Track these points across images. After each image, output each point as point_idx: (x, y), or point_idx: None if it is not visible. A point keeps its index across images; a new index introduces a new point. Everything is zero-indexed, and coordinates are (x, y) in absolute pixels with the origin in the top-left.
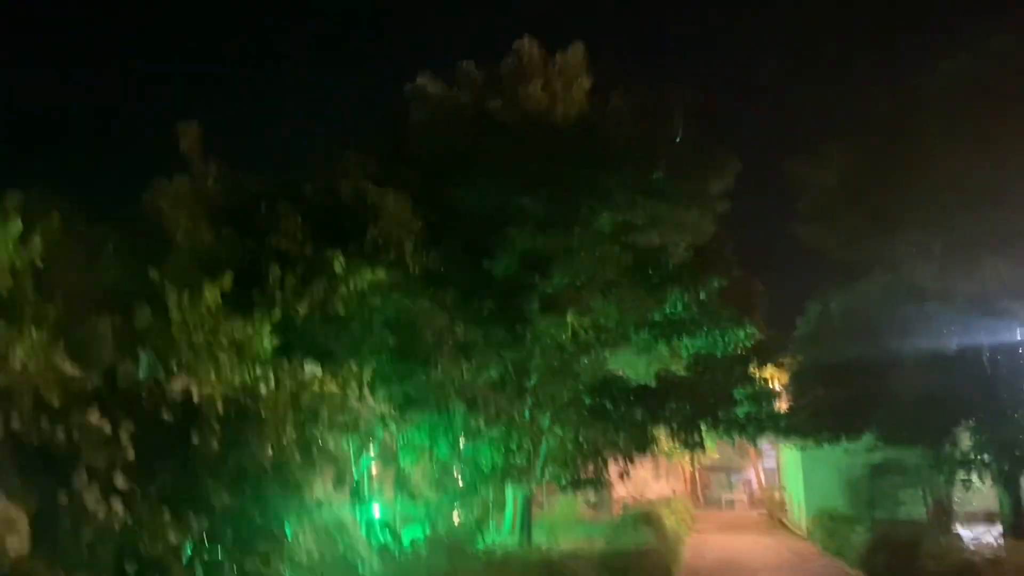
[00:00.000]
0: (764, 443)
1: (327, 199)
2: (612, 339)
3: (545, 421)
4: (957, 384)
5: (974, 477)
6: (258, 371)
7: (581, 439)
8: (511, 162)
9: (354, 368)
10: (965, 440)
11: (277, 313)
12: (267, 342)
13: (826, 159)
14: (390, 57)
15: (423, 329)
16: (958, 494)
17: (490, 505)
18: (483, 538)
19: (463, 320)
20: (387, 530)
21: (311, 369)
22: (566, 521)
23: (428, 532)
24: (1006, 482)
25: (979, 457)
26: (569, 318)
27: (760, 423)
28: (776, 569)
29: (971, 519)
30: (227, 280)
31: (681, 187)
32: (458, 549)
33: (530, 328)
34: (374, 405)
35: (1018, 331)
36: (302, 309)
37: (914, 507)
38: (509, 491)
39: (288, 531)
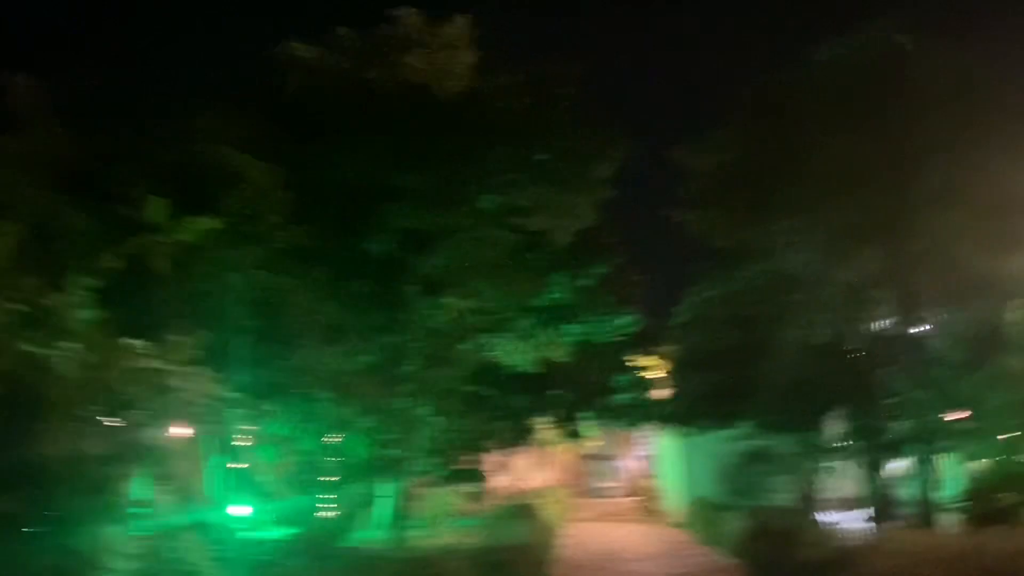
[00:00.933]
0: (641, 432)
1: (184, 164)
2: (494, 324)
3: (422, 410)
4: (829, 372)
5: (843, 464)
6: (72, 345)
7: (460, 429)
8: (390, 135)
9: (179, 339)
10: (836, 427)
11: (86, 278)
12: (85, 313)
13: (709, 146)
14: (262, 19)
15: (288, 309)
16: (824, 481)
17: (364, 500)
18: (352, 536)
19: (334, 301)
20: (238, 532)
21: (134, 343)
22: (444, 515)
23: (294, 531)
24: (872, 469)
25: (850, 444)
26: (450, 301)
27: (640, 411)
28: (652, 560)
29: (835, 505)
30: (11, 232)
31: (567, 170)
32: (322, 549)
33: (408, 311)
34: (209, 386)
35: (886, 320)
36: (107, 262)
37: (783, 494)
38: (385, 485)
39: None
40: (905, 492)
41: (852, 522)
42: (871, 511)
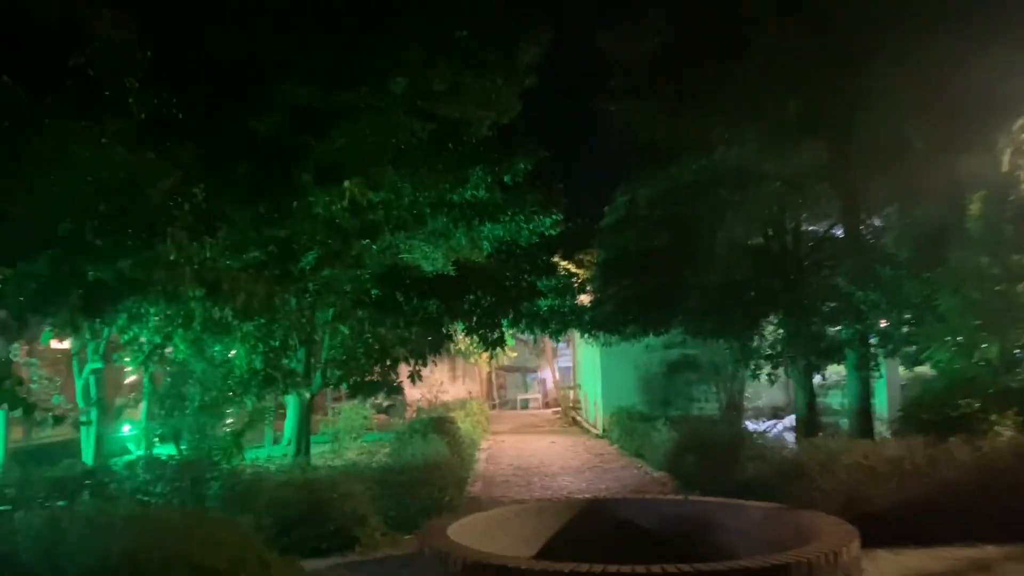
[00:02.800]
0: (560, 342)
1: (16, 16)
2: (404, 221)
3: (324, 314)
4: (765, 274)
5: (776, 372)
6: None
7: (367, 336)
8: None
9: None
10: (771, 333)
11: None
12: None
13: (642, 32)
14: None
15: (147, 190)
16: (749, 390)
17: (258, 415)
18: (244, 456)
19: (209, 185)
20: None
21: None
22: (353, 430)
23: (175, 451)
24: (807, 376)
25: (786, 351)
26: (350, 188)
27: (564, 317)
28: (576, 473)
29: (758, 414)
30: None
31: (487, 53)
32: (206, 470)
33: (301, 201)
34: None
35: (828, 219)
36: None
37: (706, 404)
38: (283, 399)
39: None
40: (841, 401)
41: (782, 432)
42: (804, 421)
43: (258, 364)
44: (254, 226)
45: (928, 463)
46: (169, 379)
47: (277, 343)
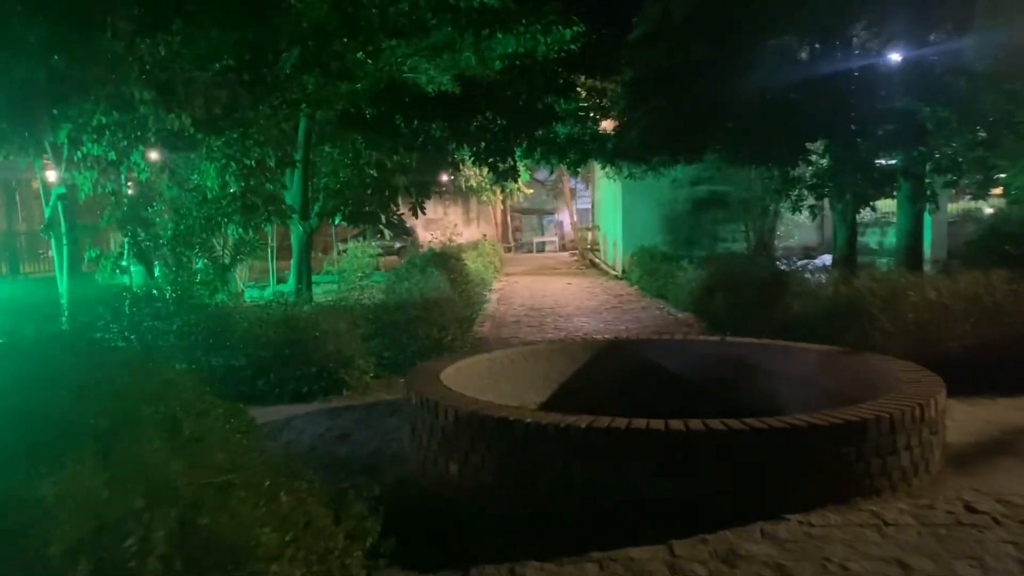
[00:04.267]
0: (578, 181)
1: None
2: (402, 27)
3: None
4: (816, 92)
5: (819, 203)
6: None
7: (363, 161)
8: None
9: None
10: (815, 160)
11: None
12: None
13: None
14: None
15: None
16: (780, 229)
17: (249, 247)
18: (228, 291)
19: None
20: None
21: None
22: (359, 269)
23: (153, 284)
24: (850, 210)
25: (833, 179)
26: None
27: (584, 146)
28: (593, 313)
29: (789, 254)
30: None
31: None
32: (183, 304)
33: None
34: None
35: (894, 27)
36: None
37: (734, 243)
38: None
39: None
40: (878, 240)
41: (815, 272)
42: (843, 259)
43: (233, 186)
44: (219, 26)
45: (1014, 300)
46: (127, 200)
47: (252, 162)
